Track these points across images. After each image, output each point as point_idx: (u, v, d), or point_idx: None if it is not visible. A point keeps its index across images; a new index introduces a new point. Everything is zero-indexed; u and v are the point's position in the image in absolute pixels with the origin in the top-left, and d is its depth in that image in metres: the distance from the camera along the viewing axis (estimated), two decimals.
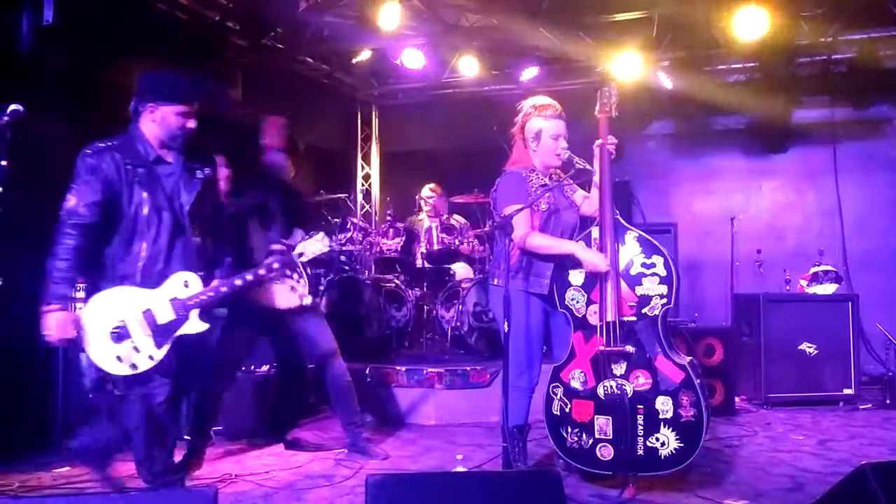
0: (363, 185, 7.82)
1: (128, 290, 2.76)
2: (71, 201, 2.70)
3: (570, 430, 3.11)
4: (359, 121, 7.75)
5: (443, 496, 1.98)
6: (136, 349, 2.74)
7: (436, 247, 5.71)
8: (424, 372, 4.68)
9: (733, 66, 6.26)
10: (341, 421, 3.81)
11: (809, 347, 4.98)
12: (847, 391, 4.96)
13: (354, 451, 3.74)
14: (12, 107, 2.68)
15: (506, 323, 2.93)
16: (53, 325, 2.63)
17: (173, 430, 2.96)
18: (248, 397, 4.19)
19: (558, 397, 3.15)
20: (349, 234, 5.59)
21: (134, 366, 2.74)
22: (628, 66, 5.82)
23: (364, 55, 6.39)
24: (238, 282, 2.90)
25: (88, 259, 2.73)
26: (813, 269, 5.48)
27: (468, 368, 4.70)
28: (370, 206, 7.81)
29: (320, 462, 3.68)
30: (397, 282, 5.68)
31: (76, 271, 2.69)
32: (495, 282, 3.32)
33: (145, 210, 2.77)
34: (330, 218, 5.58)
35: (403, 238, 5.93)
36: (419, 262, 5.77)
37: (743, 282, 6.02)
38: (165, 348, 2.77)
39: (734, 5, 5.02)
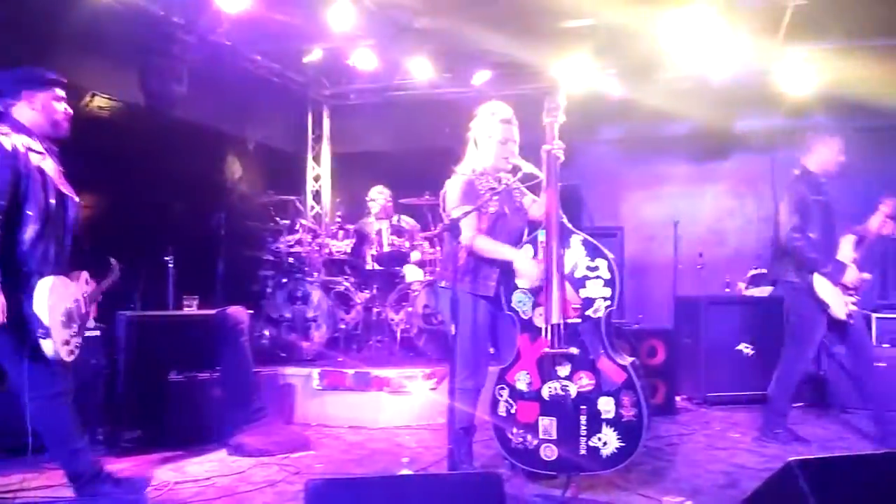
0: (314, 185, 7.72)
1: (62, 278, 2.69)
2: None
3: (515, 430, 3.13)
4: (310, 121, 7.64)
5: (382, 499, 1.96)
6: (74, 335, 2.68)
7: (386, 249, 5.68)
8: (372, 375, 4.66)
9: (679, 74, 6.43)
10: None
11: (747, 348, 5.15)
12: None
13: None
14: None
15: (452, 325, 2.94)
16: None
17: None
18: (188, 402, 4.08)
19: (504, 399, 3.18)
20: (298, 236, 5.51)
21: (72, 353, 2.68)
22: (577, 72, 5.92)
23: (315, 54, 6.31)
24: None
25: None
26: (751, 272, 5.68)
27: (417, 371, 4.69)
28: (320, 208, 7.72)
29: (263, 468, 3.62)
30: (347, 284, 5.64)
31: None
32: (443, 284, 3.34)
33: (52, 200, 2.71)
34: (278, 219, 5.49)
35: (353, 240, 5.89)
36: (369, 265, 5.74)
37: (686, 284, 6.18)
38: (78, 341, 2.72)
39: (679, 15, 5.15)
